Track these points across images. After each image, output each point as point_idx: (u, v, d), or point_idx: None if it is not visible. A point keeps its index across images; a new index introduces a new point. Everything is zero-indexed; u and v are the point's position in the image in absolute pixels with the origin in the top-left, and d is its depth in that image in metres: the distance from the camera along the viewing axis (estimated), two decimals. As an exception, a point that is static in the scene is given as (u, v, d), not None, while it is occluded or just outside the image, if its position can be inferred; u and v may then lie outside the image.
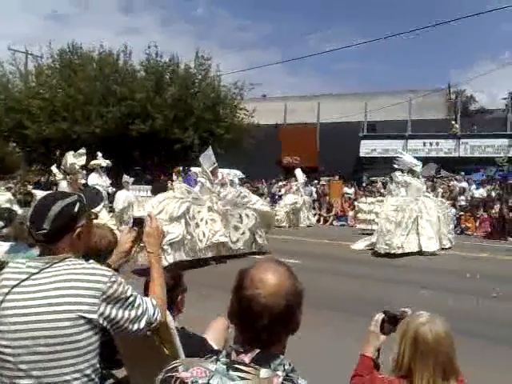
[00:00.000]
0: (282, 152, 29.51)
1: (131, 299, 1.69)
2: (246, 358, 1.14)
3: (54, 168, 11.37)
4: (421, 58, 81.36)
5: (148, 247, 2.00)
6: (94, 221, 1.92)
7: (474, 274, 8.01)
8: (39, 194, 10.55)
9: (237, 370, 1.13)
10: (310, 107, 28.95)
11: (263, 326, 1.14)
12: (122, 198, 11.73)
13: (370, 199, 16.65)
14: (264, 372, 1.12)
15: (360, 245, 11.54)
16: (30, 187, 20.98)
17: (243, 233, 9.72)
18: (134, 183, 17.28)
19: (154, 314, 1.77)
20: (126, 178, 14.63)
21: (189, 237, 8.49)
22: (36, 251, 2.76)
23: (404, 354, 1.71)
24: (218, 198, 9.48)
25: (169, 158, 24.06)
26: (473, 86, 53.09)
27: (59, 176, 10.61)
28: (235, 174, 16.20)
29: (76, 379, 1.56)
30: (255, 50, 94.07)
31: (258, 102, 28.15)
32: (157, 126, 21.58)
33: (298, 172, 18.30)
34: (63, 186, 10.12)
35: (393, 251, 10.23)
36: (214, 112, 23.21)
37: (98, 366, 1.65)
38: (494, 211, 15.04)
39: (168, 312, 1.93)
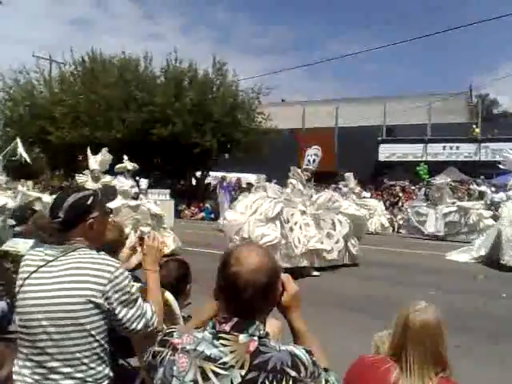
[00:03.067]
0: (300, 156, 29.54)
1: (134, 296, 1.85)
2: (227, 327, 1.29)
3: (78, 177, 11.01)
4: (442, 60, 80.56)
5: (144, 265, 2.11)
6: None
7: None
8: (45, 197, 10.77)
9: (220, 338, 1.28)
10: (328, 111, 28.98)
11: (246, 299, 1.29)
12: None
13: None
14: (242, 337, 1.27)
15: (461, 256, 10.33)
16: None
17: (337, 241, 8.66)
18: (155, 187, 17.49)
19: (151, 318, 1.89)
20: (143, 182, 14.50)
21: (284, 241, 7.65)
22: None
23: (395, 337, 1.83)
24: (310, 202, 8.77)
25: (188, 163, 24.41)
26: (496, 89, 52.37)
27: (90, 183, 10.15)
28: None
29: (86, 357, 1.72)
30: (274, 54, 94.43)
31: (277, 107, 28.31)
32: (176, 131, 21.93)
33: (351, 176, 17.29)
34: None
35: None
36: (232, 116, 23.48)
37: (106, 346, 1.80)
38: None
39: (173, 298, 2.07)
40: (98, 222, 1.89)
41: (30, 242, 3.57)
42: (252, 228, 7.23)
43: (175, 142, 22.21)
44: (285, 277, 1.50)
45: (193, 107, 22.48)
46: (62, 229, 1.84)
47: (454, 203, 14.70)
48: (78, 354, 1.71)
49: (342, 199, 9.93)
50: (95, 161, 10.42)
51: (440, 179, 15.54)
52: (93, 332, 1.73)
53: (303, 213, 8.41)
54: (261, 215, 7.48)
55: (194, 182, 27.15)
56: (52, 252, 1.82)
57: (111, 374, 1.82)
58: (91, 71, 24.44)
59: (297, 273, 7.43)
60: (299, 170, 9.08)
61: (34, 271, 1.78)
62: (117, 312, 1.78)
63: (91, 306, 1.72)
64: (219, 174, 21.28)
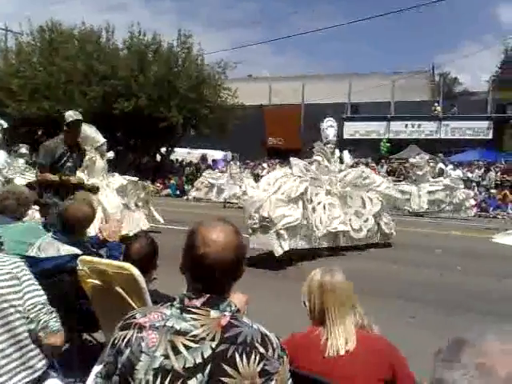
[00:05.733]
0: (267, 133, 29.54)
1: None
2: (198, 303, 1.30)
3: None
4: (406, 39, 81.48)
5: None
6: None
7: None
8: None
9: (189, 312, 1.29)
10: (294, 88, 28.93)
11: (214, 278, 1.31)
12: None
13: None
14: (213, 313, 1.29)
15: (510, 239, 9.84)
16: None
17: (366, 220, 8.41)
18: (117, 164, 17.01)
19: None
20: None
21: (305, 222, 7.34)
22: (15, 224, 2.91)
23: (315, 303, 1.94)
24: (337, 179, 8.46)
25: (153, 138, 23.98)
26: (458, 67, 53.59)
27: (100, 160, 8.47)
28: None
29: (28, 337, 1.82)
30: (241, 28, 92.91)
31: (243, 83, 28.03)
32: (141, 105, 21.45)
33: (346, 154, 17.52)
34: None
35: None
36: (198, 92, 23.12)
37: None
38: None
39: (140, 273, 2.10)
40: None
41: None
42: (273, 207, 6.87)
43: (139, 117, 21.74)
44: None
45: (157, 81, 21.99)
46: None
47: (436, 182, 15.15)
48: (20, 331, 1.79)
49: (373, 175, 9.54)
50: (97, 131, 8.59)
51: (418, 158, 15.86)
52: (20, 309, 1.81)
53: (328, 192, 8.10)
54: (283, 194, 7.10)
55: (158, 158, 26.76)
56: None
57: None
58: (50, 42, 23.43)
59: (313, 253, 7.48)
60: (325, 146, 8.65)
61: None
62: (30, 282, 1.87)
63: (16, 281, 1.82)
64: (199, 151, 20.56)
